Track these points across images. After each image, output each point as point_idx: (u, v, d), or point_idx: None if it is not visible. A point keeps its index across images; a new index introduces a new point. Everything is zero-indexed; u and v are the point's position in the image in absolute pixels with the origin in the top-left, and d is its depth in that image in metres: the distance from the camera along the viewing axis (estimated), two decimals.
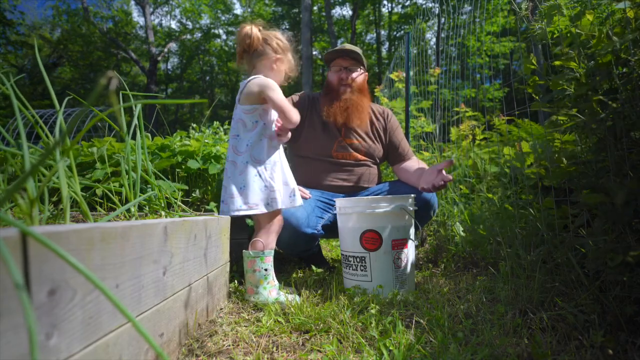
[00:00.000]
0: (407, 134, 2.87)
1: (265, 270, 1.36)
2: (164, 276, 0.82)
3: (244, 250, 1.39)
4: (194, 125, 3.02)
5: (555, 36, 1.24)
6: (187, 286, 0.97)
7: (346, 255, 1.47)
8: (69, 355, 0.51)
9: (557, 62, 1.17)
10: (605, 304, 0.97)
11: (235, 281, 1.60)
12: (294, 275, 1.78)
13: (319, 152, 1.89)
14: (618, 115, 1.01)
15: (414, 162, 1.95)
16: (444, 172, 1.57)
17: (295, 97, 1.99)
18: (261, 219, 1.43)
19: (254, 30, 1.46)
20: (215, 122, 3.29)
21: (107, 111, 0.60)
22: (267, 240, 1.42)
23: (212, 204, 1.79)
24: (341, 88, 1.90)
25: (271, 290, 1.35)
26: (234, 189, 1.37)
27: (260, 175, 1.39)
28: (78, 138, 0.66)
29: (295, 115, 1.44)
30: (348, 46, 1.90)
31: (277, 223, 1.46)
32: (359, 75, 1.94)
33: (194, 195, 1.98)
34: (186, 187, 1.88)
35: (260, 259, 1.36)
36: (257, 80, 1.43)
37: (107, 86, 0.40)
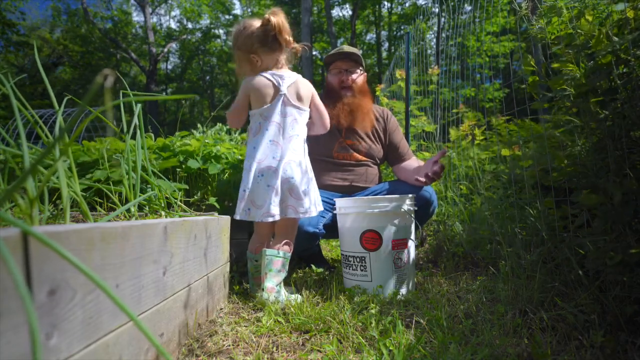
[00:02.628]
0: (407, 134, 2.87)
1: (285, 272, 1.39)
2: (164, 276, 0.82)
3: (267, 249, 1.34)
4: (199, 125, 3.05)
5: (555, 37, 1.24)
6: (187, 286, 0.97)
7: (346, 255, 1.47)
8: (69, 355, 0.51)
9: (555, 65, 1.17)
10: (605, 304, 0.97)
11: (236, 281, 1.60)
12: (294, 275, 1.78)
13: (319, 153, 1.89)
14: (618, 115, 1.01)
15: (413, 162, 1.96)
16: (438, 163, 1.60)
17: None
18: (290, 223, 1.41)
19: (284, 21, 1.36)
20: (218, 124, 3.32)
21: (100, 109, 0.60)
22: (292, 245, 1.43)
23: (212, 199, 1.80)
24: (342, 90, 1.92)
25: (283, 290, 1.38)
26: (303, 191, 1.36)
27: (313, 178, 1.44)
28: (74, 137, 0.66)
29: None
30: (347, 48, 1.91)
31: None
32: (359, 77, 1.95)
33: (195, 198, 1.98)
34: (186, 187, 1.88)
35: (287, 261, 1.38)
36: (306, 81, 1.43)
37: (103, 84, 0.40)
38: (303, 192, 1.35)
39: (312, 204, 1.38)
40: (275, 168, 1.31)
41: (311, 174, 1.43)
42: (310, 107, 1.46)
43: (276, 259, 1.34)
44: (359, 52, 1.94)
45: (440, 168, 1.59)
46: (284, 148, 1.35)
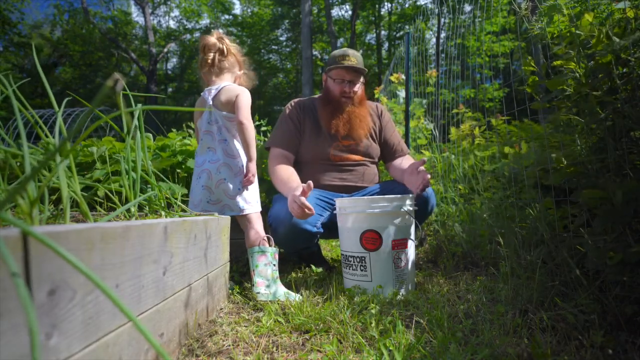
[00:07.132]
0: (407, 134, 2.87)
1: (274, 265, 1.46)
2: (164, 276, 0.82)
3: (252, 247, 1.46)
4: (192, 124, 3.02)
5: (555, 36, 1.24)
6: (187, 286, 0.97)
7: (346, 255, 1.47)
8: (69, 355, 0.51)
9: (556, 63, 1.17)
10: (605, 304, 0.97)
11: (235, 281, 1.60)
12: (294, 275, 1.78)
13: (317, 157, 1.89)
14: (618, 115, 1.01)
15: (405, 160, 1.96)
16: (422, 170, 1.57)
17: (290, 108, 1.98)
18: (255, 217, 1.54)
19: (207, 41, 1.59)
20: None
21: (112, 115, 0.60)
22: (268, 238, 1.52)
23: None
24: (342, 99, 1.91)
25: (279, 285, 1.42)
26: (236, 190, 1.51)
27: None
28: (80, 140, 0.66)
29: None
30: (353, 59, 1.86)
31: None
32: (360, 87, 1.95)
33: None
34: (185, 190, 1.88)
35: (271, 254, 1.46)
36: (232, 87, 1.56)
37: (113, 88, 0.40)
38: (236, 192, 1.50)
39: (248, 203, 1.53)
40: (208, 170, 1.50)
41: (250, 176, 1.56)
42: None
43: (258, 254, 1.44)
44: (363, 66, 1.90)
45: (427, 181, 1.55)
46: (217, 152, 1.52)
